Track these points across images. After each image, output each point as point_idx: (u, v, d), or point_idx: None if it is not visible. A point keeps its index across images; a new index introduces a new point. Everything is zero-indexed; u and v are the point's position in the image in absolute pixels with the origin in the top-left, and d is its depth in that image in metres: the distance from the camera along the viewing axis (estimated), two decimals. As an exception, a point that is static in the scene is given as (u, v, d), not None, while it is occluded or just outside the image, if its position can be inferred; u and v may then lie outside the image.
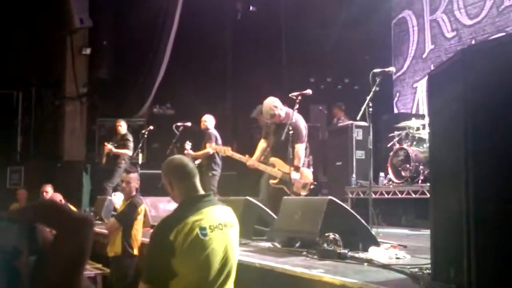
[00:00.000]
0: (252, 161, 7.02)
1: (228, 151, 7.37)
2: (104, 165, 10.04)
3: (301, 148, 6.86)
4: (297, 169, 6.75)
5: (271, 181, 6.91)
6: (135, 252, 6.21)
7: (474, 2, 10.58)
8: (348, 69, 12.54)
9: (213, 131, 9.23)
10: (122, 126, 10.22)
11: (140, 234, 6.39)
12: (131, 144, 10.03)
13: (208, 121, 9.26)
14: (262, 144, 7.25)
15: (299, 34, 12.51)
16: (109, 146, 9.86)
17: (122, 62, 12.05)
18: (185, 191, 3.17)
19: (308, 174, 6.90)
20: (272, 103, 7.03)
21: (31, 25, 11.32)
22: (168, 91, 11.64)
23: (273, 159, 6.92)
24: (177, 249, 2.86)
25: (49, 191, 9.58)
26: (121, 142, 10.06)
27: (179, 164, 3.24)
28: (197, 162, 9.15)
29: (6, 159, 11.37)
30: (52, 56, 12.01)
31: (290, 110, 6.92)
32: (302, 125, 7.05)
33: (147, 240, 6.61)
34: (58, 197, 8.64)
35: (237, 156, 7.23)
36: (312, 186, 6.89)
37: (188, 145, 9.13)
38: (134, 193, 6.31)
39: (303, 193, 6.74)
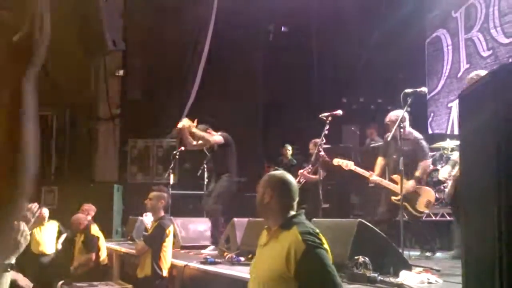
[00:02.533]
0: (375, 177, 7.10)
1: (351, 166, 7.39)
2: None
3: (424, 164, 6.97)
4: (417, 180, 6.85)
5: (393, 198, 6.91)
6: (165, 273, 6.21)
7: (511, 20, 10.41)
8: (382, 89, 12.44)
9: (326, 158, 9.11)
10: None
11: (169, 256, 6.39)
12: None
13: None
14: (380, 162, 7.32)
15: (331, 54, 12.48)
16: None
17: (154, 84, 12.19)
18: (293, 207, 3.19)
19: (431, 192, 6.97)
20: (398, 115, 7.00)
21: (65, 48, 11.52)
22: (200, 113, 11.68)
23: (394, 176, 6.94)
24: None
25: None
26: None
27: (291, 182, 3.26)
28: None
29: (40, 179, 11.55)
30: (86, 78, 12.22)
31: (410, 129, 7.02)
32: (424, 142, 7.09)
33: (177, 261, 6.63)
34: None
35: (360, 171, 7.31)
36: (434, 206, 6.94)
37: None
38: (162, 213, 6.32)
39: (426, 210, 6.83)
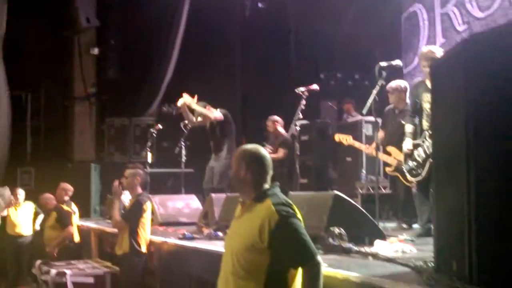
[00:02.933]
0: (370, 149, 7.19)
1: (349, 140, 7.56)
2: None
3: None
4: None
5: (387, 169, 7.01)
6: (143, 249, 6.22)
7: (486, -6, 10.43)
8: (359, 64, 12.44)
9: (286, 135, 9.14)
10: None
11: (147, 232, 6.41)
12: None
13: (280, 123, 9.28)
14: (381, 134, 7.31)
15: (308, 30, 12.44)
16: None
17: (130, 61, 12.07)
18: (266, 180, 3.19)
19: None
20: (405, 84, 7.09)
21: (37, 26, 11.37)
22: (177, 90, 11.60)
23: (389, 148, 6.97)
24: None
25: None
26: None
27: (265, 155, 3.26)
28: None
29: (16, 160, 11.44)
30: (60, 57, 12.06)
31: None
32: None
33: (155, 238, 6.63)
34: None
35: (358, 145, 7.53)
36: None
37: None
38: (139, 190, 6.32)
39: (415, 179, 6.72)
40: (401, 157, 6.71)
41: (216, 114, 8.37)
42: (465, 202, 2.84)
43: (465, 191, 2.85)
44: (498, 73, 2.86)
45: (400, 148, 6.65)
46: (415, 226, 7.03)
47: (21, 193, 10.07)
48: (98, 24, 11.33)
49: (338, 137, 7.68)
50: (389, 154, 6.96)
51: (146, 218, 6.33)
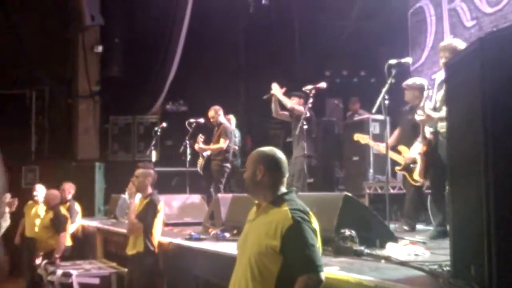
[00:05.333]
0: (379, 147, 7.34)
1: (367, 140, 7.70)
2: None
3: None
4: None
5: (396, 168, 6.99)
6: (156, 250, 6.17)
7: (495, -11, 10.33)
8: (364, 61, 12.38)
9: (227, 124, 9.14)
10: None
11: (159, 232, 6.35)
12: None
13: (220, 113, 9.19)
14: (396, 132, 7.37)
15: (313, 27, 12.38)
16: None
17: (134, 60, 12.01)
18: (283, 183, 3.19)
19: None
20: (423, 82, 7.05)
21: (42, 24, 11.33)
22: (180, 88, 11.59)
23: (400, 147, 7.00)
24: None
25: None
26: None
27: (282, 158, 3.23)
28: (205, 154, 9.08)
29: (21, 158, 11.40)
30: (64, 55, 12.03)
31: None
32: None
33: (161, 238, 6.57)
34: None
35: (373, 143, 7.66)
36: None
37: (201, 138, 9.05)
38: (150, 190, 6.26)
39: (422, 180, 6.68)
40: (410, 155, 6.69)
41: (300, 108, 8.23)
42: (484, 205, 2.75)
43: (484, 193, 2.76)
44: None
45: (410, 146, 6.61)
46: (419, 227, 6.96)
47: (39, 189, 9.39)
48: (103, 22, 11.29)
49: (357, 137, 7.74)
50: (399, 153, 6.94)
51: (160, 218, 6.29)
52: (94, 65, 12.07)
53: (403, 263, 4.11)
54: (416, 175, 6.65)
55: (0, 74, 11.07)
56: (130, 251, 6.24)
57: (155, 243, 6.17)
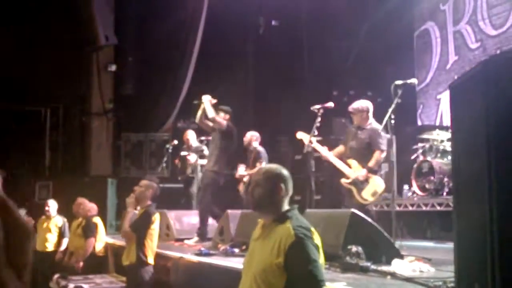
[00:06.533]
0: (330, 156, 7.09)
1: (312, 140, 7.30)
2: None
3: (378, 155, 6.90)
4: (369, 169, 6.80)
5: (343, 180, 6.94)
6: (150, 261, 6.23)
7: (499, 12, 10.51)
8: (371, 81, 12.51)
9: (260, 148, 9.24)
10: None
11: (155, 243, 6.43)
12: None
13: (255, 138, 9.35)
14: (340, 148, 7.33)
15: (321, 48, 12.54)
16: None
17: (147, 78, 12.20)
18: (286, 201, 3.22)
19: (380, 182, 6.85)
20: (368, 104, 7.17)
21: (57, 42, 11.54)
22: (192, 106, 11.74)
23: (350, 160, 6.96)
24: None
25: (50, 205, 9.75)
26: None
27: (288, 176, 3.27)
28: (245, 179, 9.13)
29: (35, 174, 11.56)
30: (79, 73, 12.21)
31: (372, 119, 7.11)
32: (382, 133, 7.06)
33: (171, 253, 6.72)
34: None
35: (318, 146, 7.26)
36: (381, 196, 6.93)
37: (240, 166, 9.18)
38: (149, 202, 6.35)
39: (371, 199, 6.74)
40: (360, 173, 6.74)
41: (222, 121, 8.44)
42: (488, 222, 2.80)
43: (488, 212, 2.80)
44: None
45: (362, 163, 6.73)
46: (429, 244, 7.05)
47: (51, 205, 9.79)
48: (116, 41, 11.49)
49: (301, 135, 7.44)
50: (349, 166, 6.93)
51: (154, 229, 6.33)
52: (108, 83, 12.27)
53: (408, 279, 4.23)
54: (367, 194, 6.74)
55: (16, 91, 11.27)
56: (124, 261, 6.31)
57: (150, 254, 6.17)
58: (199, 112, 8.65)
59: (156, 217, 6.32)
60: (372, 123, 7.06)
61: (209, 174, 8.40)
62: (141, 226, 6.17)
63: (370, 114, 7.09)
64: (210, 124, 8.66)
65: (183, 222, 8.86)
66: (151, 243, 6.25)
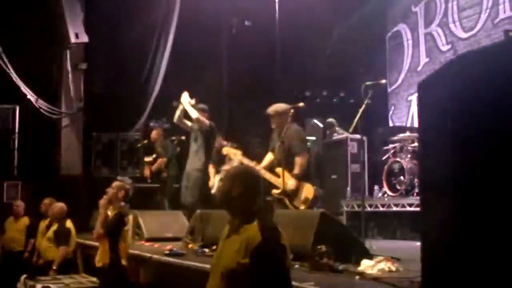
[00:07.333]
0: (259, 168, 6.82)
1: (239, 155, 7.27)
2: None
3: (300, 161, 6.79)
4: (297, 177, 6.70)
5: (274, 191, 6.81)
6: (123, 262, 6.20)
7: (469, 15, 10.65)
8: (344, 82, 12.60)
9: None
10: None
11: (128, 245, 6.40)
12: None
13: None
14: (269, 156, 7.20)
15: (294, 48, 12.57)
16: None
17: (118, 77, 12.09)
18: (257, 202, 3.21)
19: (310, 189, 6.76)
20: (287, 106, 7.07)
21: (26, 41, 11.38)
22: (164, 105, 11.68)
23: (278, 170, 6.83)
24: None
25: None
26: None
27: (259, 176, 3.31)
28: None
29: (3, 174, 11.37)
30: (48, 72, 12.05)
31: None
32: (302, 135, 7.05)
33: (142, 253, 6.67)
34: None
35: (247, 161, 7.11)
36: (312, 202, 6.83)
37: None
38: (122, 204, 6.33)
39: (302, 207, 6.66)
40: (289, 185, 6.64)
41: (205, 120, 8.53)
42: (452, 221, 2.86)
43: (453, 205, 2.86)
44: (483, 95, 2.87)
45: (288, 170, 6.65)
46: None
47: (19, 205, 9.82)
48: (87, 40, 11.36)
49: (227, 150, 7.44)
50: (277, 176, 6.79)
51: (128, 230, 6.35)
52: (78, 82, 12.12)
53: (376, 279, 4.26)
54: (298, 202, 6.67)
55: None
56: (97, 263, 6.29)
57: (123, 255, 6.17)
58: (178, 113, 8.69)
59: (130, 219, 6.32)
60: (292, 126, 6.98)
61: (195, 173, 8.46)
62: (115, 228, 6.15)
63: (289, 116, 6.97)
64: (189, 123, 8.69)
65: (154, 222, 8.78)
66: (124, 244, 6.23)
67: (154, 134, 10.49)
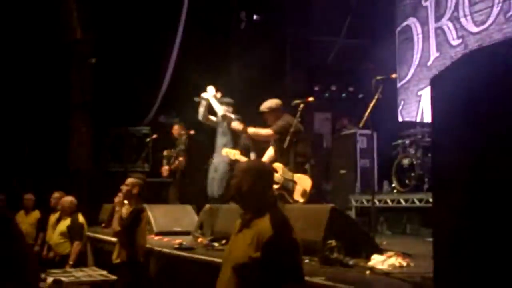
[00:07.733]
0: None
1: (237, 155, 7.27)
2: None
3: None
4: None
5: (274, 186, 6.78)
6: (140, 259, 6.25)
7: (481, 9, 10.54)
8: (353, 77, 12.56)
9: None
10: None
11: (145, 241, 6.44)
12: None
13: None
14: (270, 152, 7.22)
15: (302, 42, 12.55)
16: None
17: (127, 71, 12.11)
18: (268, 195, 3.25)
19: (307, 181, 6.73)
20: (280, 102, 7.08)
21: (37, 35, 11.42)
22: (173, 100, 11.70)
23: (276, 165, 6.79)
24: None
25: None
26: None
27: (270, 170, 3.35)
28: None
29: (13, 168, 11.44)
30: (58, 66, 12.09)
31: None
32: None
33: (151, 247, 6.68)
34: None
35: (244, 159, 7.04)
36: (311, 194, 6.81)
37: None
38: (137, 200, 6.36)
39: (301, 200, 6.63)
40: (288, 174, 6.63)
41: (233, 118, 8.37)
42: (466, 216, 2.73)
43: (467, 200, 2.73)
44: (501, 89, 2.85)
45: (287, 165, 6.64)
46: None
47: (31, 199, 9.92)
48: (97, 33, 11.40)
49: (226, 151, 7.48)
50: (275, 171, 6.69)
51: (144, 226, 6.38)
52: (88, 76, 12.16)
53: (387, 274, 4.25)
54: (298, 195, 6.65)
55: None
56: (115, 259, 6.33)
57: (140, 251, 6.22)
58: (201, 109, 8.55)
59: (146, 215, 6.35)
60: (284, 117, 7.02)
61: (224, 165, 8.42)
62: (131, 225, 6.17)
63: (281, 110, 7.04)
64: (214, 119, 8.61)
65: (163, 217, 8.80)
66: (142, 240, 6.27)
67: (176, 129, 10.12)
